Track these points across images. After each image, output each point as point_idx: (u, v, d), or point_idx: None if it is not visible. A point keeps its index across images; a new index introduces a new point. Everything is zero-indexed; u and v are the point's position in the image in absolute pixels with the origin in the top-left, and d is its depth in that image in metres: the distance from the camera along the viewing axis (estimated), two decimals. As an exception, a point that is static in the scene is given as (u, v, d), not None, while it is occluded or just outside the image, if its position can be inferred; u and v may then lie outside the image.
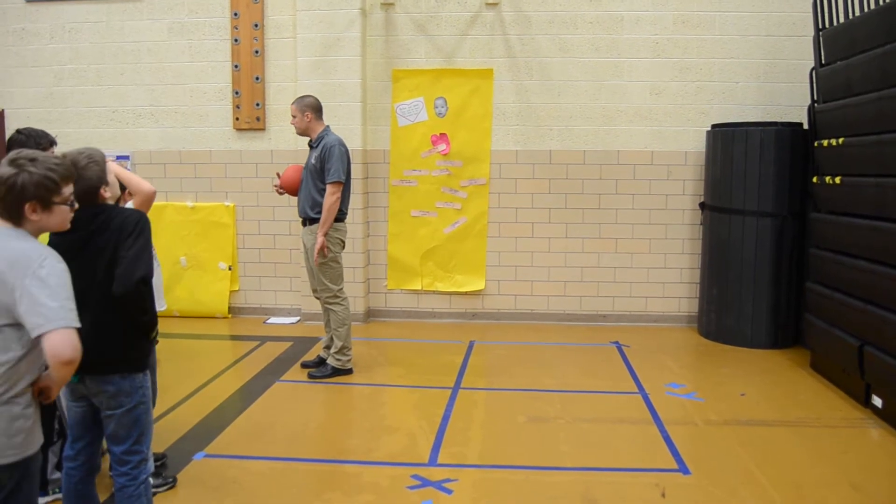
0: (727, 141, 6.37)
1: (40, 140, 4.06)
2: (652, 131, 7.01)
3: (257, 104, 7.26)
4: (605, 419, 4.73)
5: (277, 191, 5.59)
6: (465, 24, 7.04)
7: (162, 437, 4.13)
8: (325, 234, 5.21)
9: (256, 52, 7.20)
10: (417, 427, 4.55)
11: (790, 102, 6.81)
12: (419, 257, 7.32)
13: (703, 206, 6.81)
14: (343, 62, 6.93)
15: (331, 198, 5.18)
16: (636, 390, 5.27)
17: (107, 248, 2.73)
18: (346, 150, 5.30)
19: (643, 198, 7.07)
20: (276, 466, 3.98)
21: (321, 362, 5.66)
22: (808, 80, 6.08)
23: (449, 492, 3.68)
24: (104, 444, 3.12)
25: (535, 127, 7.09)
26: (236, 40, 7.21)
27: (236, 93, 7.27)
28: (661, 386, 5.34)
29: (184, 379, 5.38)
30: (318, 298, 5.60)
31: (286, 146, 7.29)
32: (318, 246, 5.21)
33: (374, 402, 5.10)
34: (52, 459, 3.54)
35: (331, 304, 5.44)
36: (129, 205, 3.49)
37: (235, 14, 7.18)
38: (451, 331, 6.98)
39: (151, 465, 2.98)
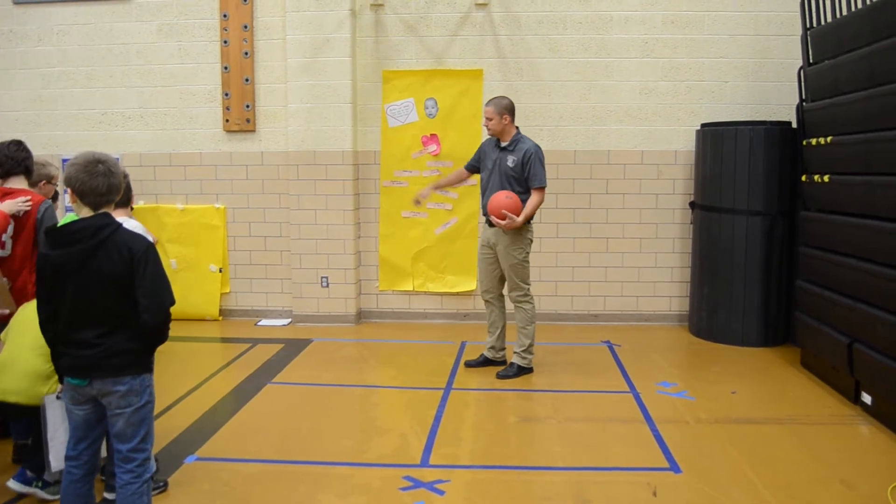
0: (717, 140, 6.40)
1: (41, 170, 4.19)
2: (642, 131, 7.03)
3: (247, 106, 7.24)
4: (596, 418, 4.74)
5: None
6: (455, 24, 7.04)
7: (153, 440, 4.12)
8: (523, 219, 5.26)
9: (246, 53, 7.18)
10: (409, 428, 4.55)
11: (779, 101, 6.84)
12: (410, 258, 7.32)
13: (693, 205, 6.83)
14: (333, 63, 6.92)
15: (537, 199, 5.33)
16: (627, 389, 5.28)
17: (111, 265, 2.71)
18: (543, 154, 5.42)
19: (634, 197, 7.09)
20: (267, 469, 3.97)
21: (486, 360, 5.76)
22: (796, 80, 6.11)
23: (441, 493, 3.68)
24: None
25: (524, 127, 7.02)
26: (226, 42, 7.19)
27: (226, 94, 7.25)
28: (652, 385, 5.35)
29: (175, 382, 5.36)
30: (487, 301, 5.68)
31: (276, 147, 7.27)
32: (511, 218, 5.17)
33: (366, 403, 5.09)
34: (54, 464, 3.52)
35: (521, 302, 5.51)
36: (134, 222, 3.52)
37: (225, 15, 7.16)
38: (442, 331, 6.98)
39: (153, 464, 2.99)
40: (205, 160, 7.40)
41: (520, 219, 5.21)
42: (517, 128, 5.49)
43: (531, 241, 5.50)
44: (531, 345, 5.57)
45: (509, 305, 5.68)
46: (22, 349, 3.51)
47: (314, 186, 7.10)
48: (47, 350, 3.48)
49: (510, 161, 5.37)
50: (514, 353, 5.59)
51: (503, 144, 5.45)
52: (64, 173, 2.81)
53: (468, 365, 5.79)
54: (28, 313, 3.62)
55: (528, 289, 5.53)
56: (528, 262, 5.49)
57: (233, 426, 4.61)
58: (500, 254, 5.45)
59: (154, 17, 7.25)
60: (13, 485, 3.54)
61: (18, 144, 4.04)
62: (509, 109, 5.38)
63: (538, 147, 5.40)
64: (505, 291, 5.70)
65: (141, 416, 2.86)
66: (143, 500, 2.89)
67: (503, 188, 5.36)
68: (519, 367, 5.56)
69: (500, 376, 5.52)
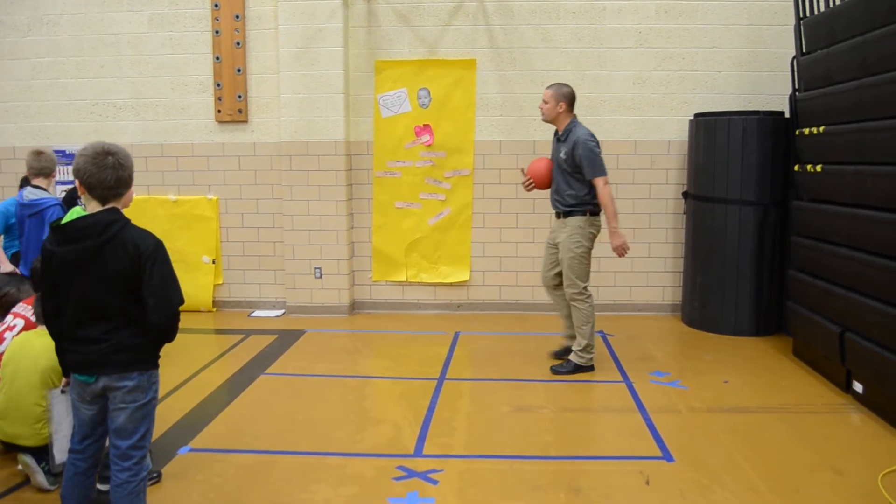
0: (710, 130, 6.40)
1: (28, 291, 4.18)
2: (635, 121, 7.02)
3: (239, 96, 7.20)
4: (589, 408, 4.76)
5: (527, 186, 5.46)
6: (448, 14, 7.01)
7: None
8: (615, 228, 5.21)
9: (238, 43, 7.13)
10: (403, 418, 4.55)
11: (772, 91, 6.85)
12: (404, 249, 7.31)
13: (686, 195, 6.84)
14: (325, 53, 6.89)
15: (604, 190, 5.14)
16: (620, 379, 5.30)
17: (118, 262, 2.67)
18: (598, 142, 5.22)
19: (627, 187, 7.09)
20: (261, 459, 3.97)
21: (568, 351, 5.58)
22: (789, 69, 6.11)
23: (434, 482, 3.69)
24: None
25: (518, 117, 7.08)
26: (217, 32, 7.15)
27: (218, 85, 7.21)
28: (645, 374, 5.37)
29: (168, 373, 5.31)
30: (547, 288, 5.61)
31: (268, 138, 7.25)
32: (619, 242, 5.20)
33: (360, 393, 5.10)
34: (58, 457, 3.53)
35: (576, 300, 5.31)
36: None
37: (216, 5, 7.10)
38: (436, 322, 6.98)
39: (150, 462, 2.97)
40: (197, 151, 7.36)
41: (613, 228, 5.19)
42: (574, 117, 5.30)
43: (594, 234, 5.31)
44: (588, 345, 5.38)
45: None
46: (20, 393, 3.57)
47: (307, 177, 7.08)
48: (41, 389, 3.53)
49: (563, 153, 5.24)
50: (573, 351, 5.45)
51: (558, 135, 5.34)
52: (73, 164, 2.78)
53: (555, 356, 5.67)
54: (17, 350, 3.64)
55: (584, 286, 5.31)
56: (587, 258, 5.29)
57: (226, 417, 4.61)
58: (561, 247, 5.32)
59: (145, 7, 7.20)
60: (27, 458, 3.57)
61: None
62: (567, 97, 5.22)
63: (590, 134, 5.18)
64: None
65: (144, 413, 2.81)
66: (140, 498, 2.84)
67: (557, 179, 5.32)
68: (576, 364, 5.40)
69: (554, 371, 5.41)
